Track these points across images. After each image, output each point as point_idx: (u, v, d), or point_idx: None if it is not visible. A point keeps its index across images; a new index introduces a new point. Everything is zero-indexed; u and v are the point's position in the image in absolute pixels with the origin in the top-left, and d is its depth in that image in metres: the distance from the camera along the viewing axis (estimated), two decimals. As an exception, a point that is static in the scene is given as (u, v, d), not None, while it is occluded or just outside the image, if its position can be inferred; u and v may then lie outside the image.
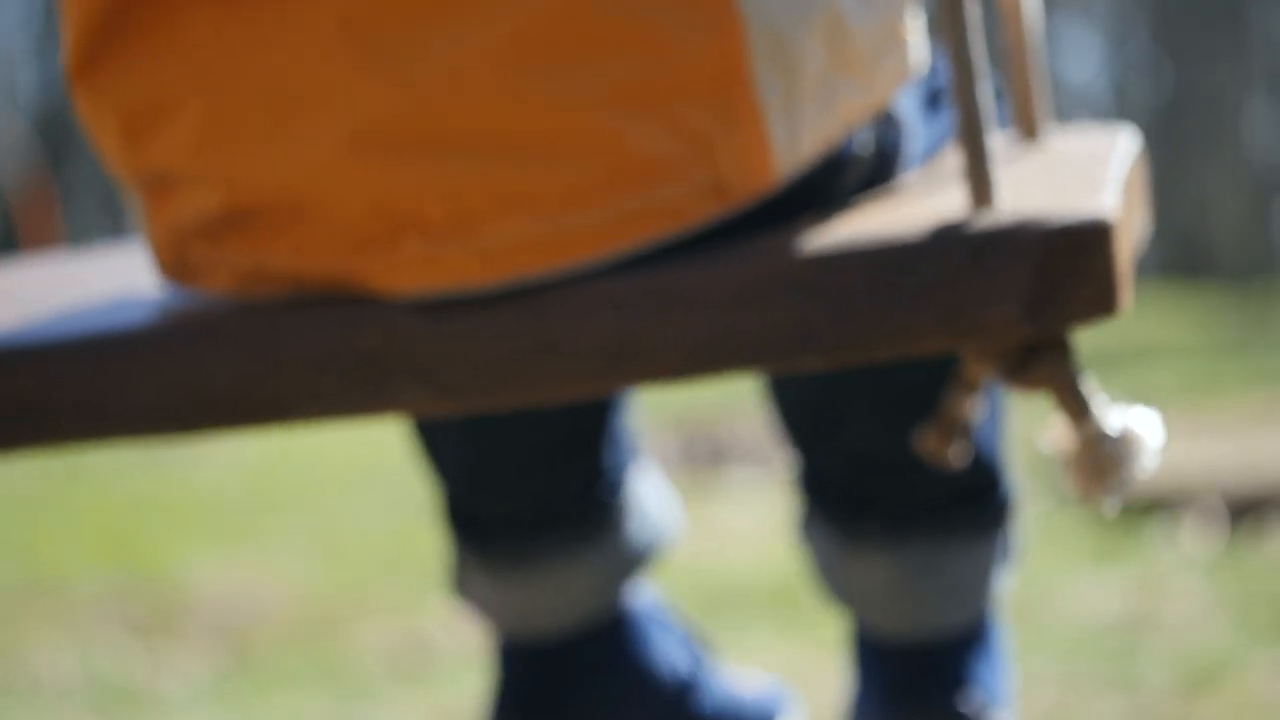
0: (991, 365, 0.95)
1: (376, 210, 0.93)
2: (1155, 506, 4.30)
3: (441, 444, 1.33)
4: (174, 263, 0.99)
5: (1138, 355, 8.74)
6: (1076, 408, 0.97)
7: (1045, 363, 0.94)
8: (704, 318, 0.90)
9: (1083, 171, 0.96)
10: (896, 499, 1.31)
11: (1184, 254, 15.21)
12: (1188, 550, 4.01)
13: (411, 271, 0.93)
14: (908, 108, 1.09)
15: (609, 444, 1.37)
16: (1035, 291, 0.84)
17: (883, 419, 1.26)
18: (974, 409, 1.08)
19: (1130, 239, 0.93)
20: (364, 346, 0.93)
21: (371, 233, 0.93)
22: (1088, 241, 0.84)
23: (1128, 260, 0.90)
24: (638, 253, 0.94)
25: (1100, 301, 0.85)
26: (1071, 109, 17.70)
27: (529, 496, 1.34)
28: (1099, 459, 0.98)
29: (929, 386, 1.17)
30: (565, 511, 1.36)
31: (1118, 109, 17.25)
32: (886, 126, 1.06)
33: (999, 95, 1.12)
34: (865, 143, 1.03)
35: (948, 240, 0.86)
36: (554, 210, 0.93)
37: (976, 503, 1.33)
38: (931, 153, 1.10)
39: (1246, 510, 4.13)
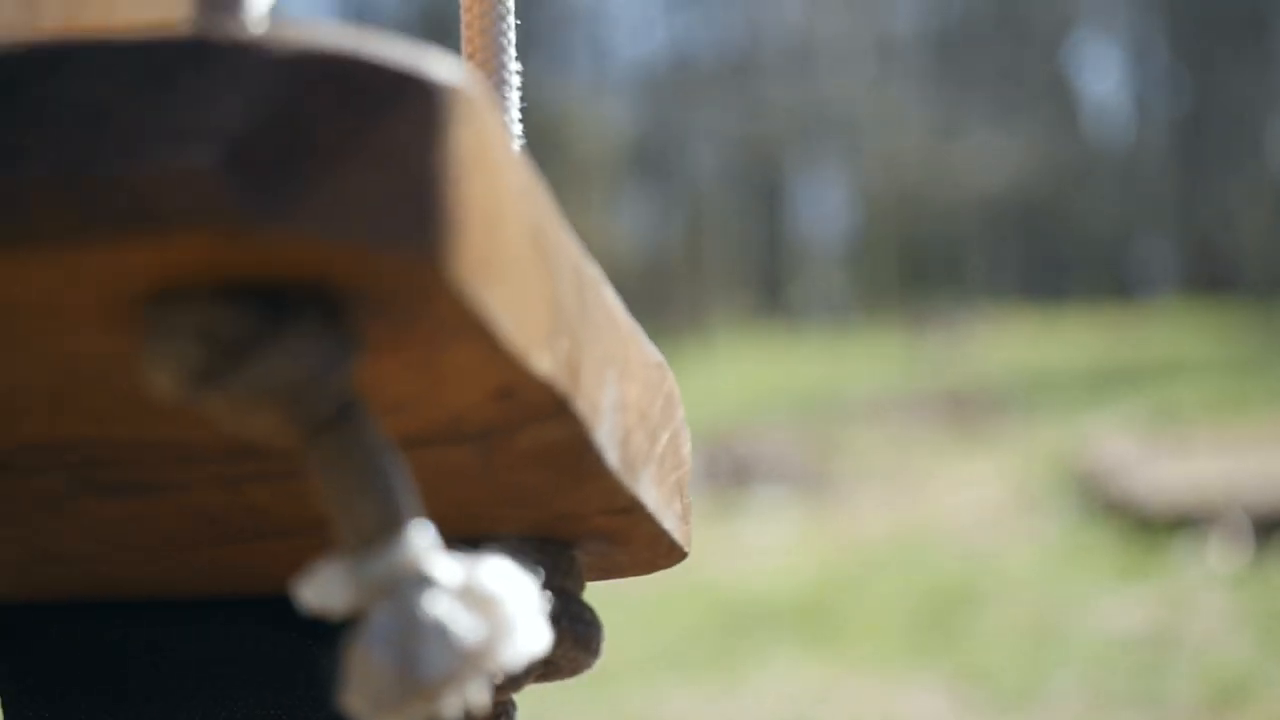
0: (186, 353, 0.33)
1: None
2: (1181, 523, 4.29)
3: None
4: None
5: (1161, 371, 8.72)
6: (354, 515, 0.35)
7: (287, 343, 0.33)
8: None
9: None
10: None
11: (1206, 268, 15.18)
12: (1213, 566, 4.00)
13: None
14: None
15: None
16: (244, 144, 0.32)
17: None
18: None
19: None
20: None
21: None
22: (373, 85, 0.34)
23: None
24: None
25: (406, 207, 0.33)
26: (1093, 122, 17.68)
27: None
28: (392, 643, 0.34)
29: None
30: None
31: (1139, 122, 17.23)
32: None
33: None
34: None
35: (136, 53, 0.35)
36: None
37: None
38: None
39: (1272, 527, 4.12)
